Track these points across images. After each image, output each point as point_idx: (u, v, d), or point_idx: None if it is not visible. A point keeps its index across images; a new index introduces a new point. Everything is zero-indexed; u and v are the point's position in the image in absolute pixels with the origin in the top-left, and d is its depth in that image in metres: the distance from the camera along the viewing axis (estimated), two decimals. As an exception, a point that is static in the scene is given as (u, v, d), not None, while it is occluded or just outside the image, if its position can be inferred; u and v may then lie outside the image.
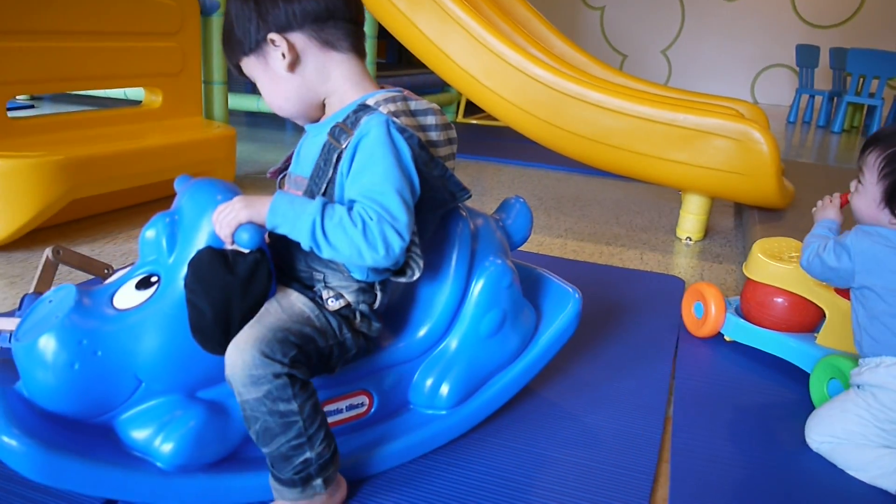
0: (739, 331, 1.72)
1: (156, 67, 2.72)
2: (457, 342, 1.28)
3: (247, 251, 1.03)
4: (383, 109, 1.06)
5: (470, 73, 2.75)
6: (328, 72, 1.11)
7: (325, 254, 0.99)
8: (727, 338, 1.75)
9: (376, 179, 1.00)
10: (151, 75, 2.73)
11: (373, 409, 1.22)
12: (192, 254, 1.03)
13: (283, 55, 1.08)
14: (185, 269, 1.03)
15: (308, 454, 1.01)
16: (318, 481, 1.03)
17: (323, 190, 1.05)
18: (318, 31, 1.08)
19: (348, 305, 1.12)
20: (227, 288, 1.01)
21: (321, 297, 1.11)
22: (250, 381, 0.97)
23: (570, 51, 3.77)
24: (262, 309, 1.05)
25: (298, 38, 1.08)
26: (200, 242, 1.04)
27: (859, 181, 1.34)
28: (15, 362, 1.03)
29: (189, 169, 2.55)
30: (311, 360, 1.04)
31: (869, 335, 1.28)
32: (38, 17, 2.23)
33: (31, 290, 1.50)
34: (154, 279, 1.07)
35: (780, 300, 1.66)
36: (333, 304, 1.11)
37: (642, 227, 2.87)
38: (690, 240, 2.70)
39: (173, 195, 1.14)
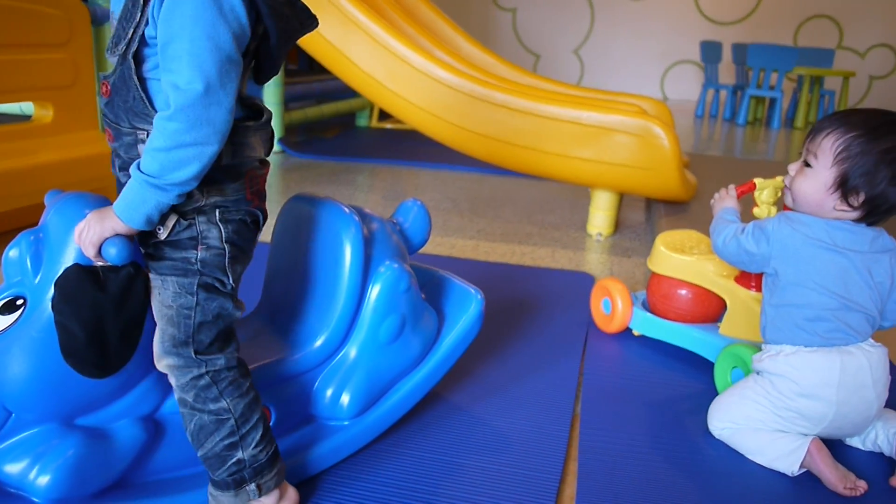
0: (646, 324, 1.74)
1: (44, 80, 2.59)
2: (356, 350, 1.25)
3: (119, 266, 0.97)
4: None
5: (375, 77, 2.73)
6: None
7: (177, 187, 0.91)
8: (635, 332, 1.78)
9: (184, 62, 0.87)
10: (40, 89, 2.59)
11: (272, 422, 1.18)
12: (60, 273, 0.97)
13: None
14: (52, 290, 0.97)
15: (240, 454, 1.01)
16: (252, 486, 1.02)
17: (130, 35, 0.93)
18: None
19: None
20: (98, 307, 0.96)
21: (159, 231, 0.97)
22: (179, 389, 1.00)
23: (479, 53, 3.78)
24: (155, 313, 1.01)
25: None
26: (68, 260, 0.98)
27: (806, 163, 1.27)
28: None
29: (84, 185, 2.45)
30: (213, 324, 1.00)
31: (772, 322, 1.30)
32: None
33: None
34: (20, 302, 1.01)
35: (683, 292, 1.69)
36: (168, 225, 0.96)
37: (554, 224, 2.90)
38: (601, 235, 2.74)
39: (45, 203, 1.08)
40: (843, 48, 9.02)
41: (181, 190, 0.91)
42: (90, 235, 0.94)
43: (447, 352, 1.35)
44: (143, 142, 0.94)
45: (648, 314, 1.74)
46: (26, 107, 4.31)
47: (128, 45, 0.94)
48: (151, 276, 1.00)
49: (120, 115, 0.97)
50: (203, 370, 0.99)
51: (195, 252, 0.99)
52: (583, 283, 2.17)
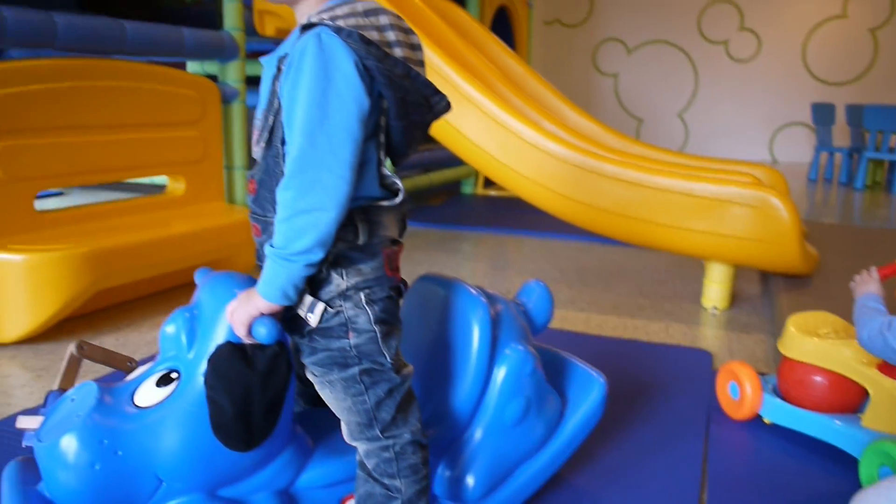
0: (778, 412, 1.66)
1: (179, 156, 2.79)
2: (481, 432, 1.26)
3: (266, 344, 1.02)
4: (325, 17, 0.95)
5: (486, 150, 2.78)
6: None
7: (302, 256, 0.94)
8: (766, 420, 1.69)
9: (296, 131, 0.92)
10: (175, 163, 2.79)
11: (397, 505, 1.19)
12: (212, 349, 1.03)
13: None
14: (204, 365, 1.03)
15: None
16: None
17: (271, 124, 1.00)
18: None
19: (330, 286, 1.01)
20: (246, 383, 1.01)
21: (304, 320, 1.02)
22: (364, 454, 1.07)
23: (584, 121, 3.81)
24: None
25: None
26: (220, 337, 1.04)
27: None
28: (37, 462, 1.02)
29: (211, 254, 2.60)
30: (388, 399, 1.05)
31: None
32: (65, 113, 2.30)
33: (56, 387, 1.50)
34: (174, 375, 1.07)
35: (819, 379, 1.59)
36: (317, 313, 1.01)
37: (666, 296, 2.84)
38: (717, 309, 2.66)
39: (195, 282, 1.15)
40: (968, 108, 8.57)
41: (307, 260, 0.94)
42: (240, 316, 1.00)
43: (570, 436, 1.34)
44: None
45: (781, 401, 1.66)
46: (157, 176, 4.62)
47: (271, 133, 1.00)
48: (315, 370, 1.06)
49: (266, 207, 1.03)
50: (389, 443, 1.05)
51: (347, 340, 1.03)
52: (700, 360, 2.11)
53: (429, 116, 1.06)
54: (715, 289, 2.66)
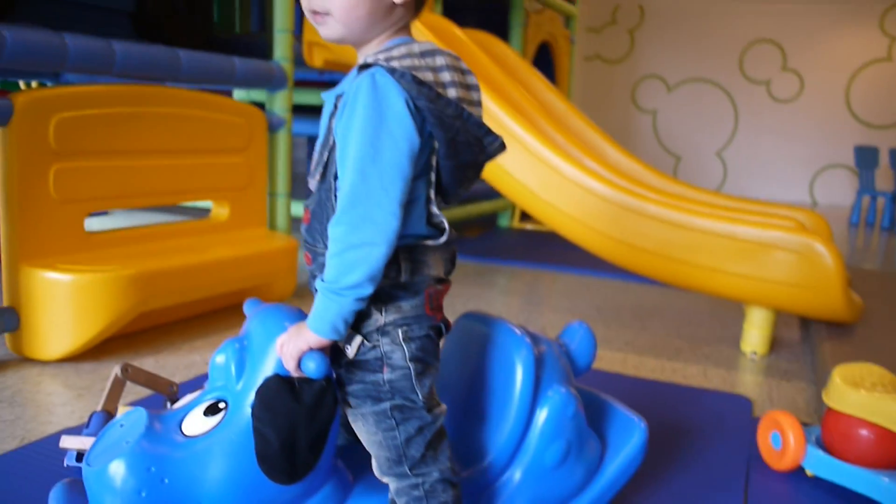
0: (822, 465, 1.62)
1: (225, 182, 2.84)
2: (520, 474, 1.25)
3: (313, 379, 1.04)
4: (381, 57, 0.98)
5: (527, 186, 2.79)
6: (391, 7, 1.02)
7: (352, 290, 0.96)
8: (808, 472, 1.66)
9: (349, 167, 0.95)
10: (220, 189, 2.84)
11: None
12: (260, 381, 1.05)
13: None
14: (252, 397, 1.04)
15: None
16: None
17: (325, 160, 1.03)
18: None
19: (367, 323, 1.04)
20: (293, 416, 1.02)
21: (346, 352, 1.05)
22: (395, 492, 1.08)
23: (624, 159, 3.80)
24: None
25: None
26: (268, 370, 1.06)
27: None
28: (84, 485, 1.04)
29: (252, 280, 2.63)
30: (419, 437, 1.06)
31: None
32: (118, 137, 2.36)
33: (100, 408, 1.53)
34: (222, 405, 1.09)
35: (866, 433, 1.56)
36: (354, 345, 1.04)
37: (705, 339, 2.81)
38: (756, 354, 2.62)
39: (235, 304, 1.17)
40: None
41: (357, 294, 0.96)
42: (290, 349, 1.02)
43: (610, 481, 1.33)
44: None
45: (825, 454, 1.62)
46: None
47: (325, 168, 1.03)
48: (349, 401, 1.07)
49: (317, 238, 1.06)
50: (418, 481, 1.06)
51: (381, 374, 1.04)
52: (740, 407, 2.07)
53: (481, 157, 1.06)
54: (754, 333, 2.62)
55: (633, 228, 2.62)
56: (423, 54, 1.01)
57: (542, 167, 2.76)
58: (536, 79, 3.95)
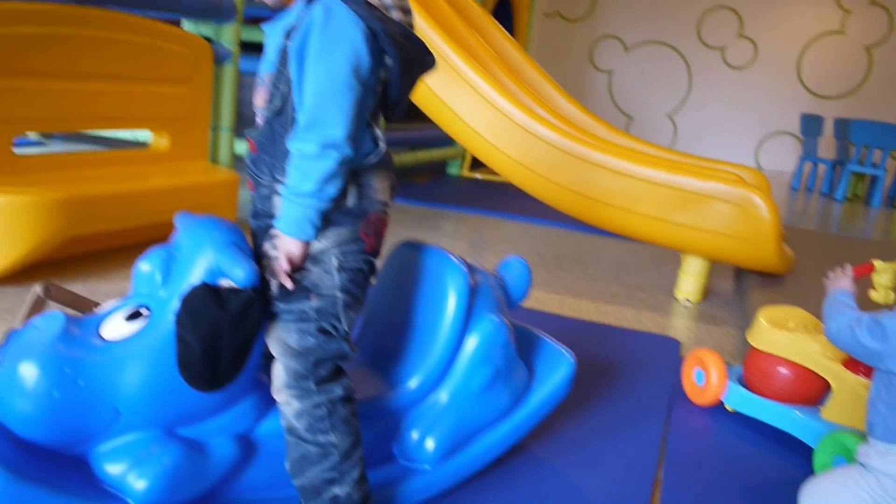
0: (741, 401, 1.69)
1: (165, 111, 2.76)
2: (447, 396, 1.26)
3: (240, 289, 1.02)
4: None
5: (476, 130, 2.78)
6: None
7: (312, 198, 1.01)
8: (728, 407, 1.72)
9: (312, 92, 1.00)
10: (160, 119, 2.76)
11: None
12: (186, 288, 1.03)
13: None
14: (177, 303, 1.02)
15: (337, 490, 1.05)
16: None
17: (284, 93, 1.05)
18: None
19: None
20: (217, 324, 1.02)
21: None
22: (294, 416, 1.05)
23: (577, 111, 3.81)
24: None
25: None
26: (195, 278, 1.04)
27: None
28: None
29: (193, 211, 2.57)
30: (330, 361, 1.07)
31: (885, 421, 1.21)
32: (53, 58, 2.26)
33: (17, 326, 1.49)
34: (144, 312, 1.06)
35: (784, 371, 1.62)
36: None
37: (641, 286, 2.86)
38: (689, 301, 2.68)
39: (171, 236, 1.14)
40: (954, 130, 8.66)
41: (316, 201, 1.01)
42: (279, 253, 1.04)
43: (534, 409, 1.35)
44: (278, 194, 1.04)
45: (745, 390, 1.68)
46: (141, 134, 4.57)
47: (283, 101, 1.05)
48: (276, 317, 1.07)
49: (262, 169, 1.09)
50: (322, 399, 1.05)
51: (309, 301, 1.05)
52: (668, 347, 2.13)
53: (422, 72, 1.12)
54: (689, 281, 2.68)
55: (578, 175, 2.63)
56: None
57: (491, 111, 2.74)
58: (494, 28, 3.91)
